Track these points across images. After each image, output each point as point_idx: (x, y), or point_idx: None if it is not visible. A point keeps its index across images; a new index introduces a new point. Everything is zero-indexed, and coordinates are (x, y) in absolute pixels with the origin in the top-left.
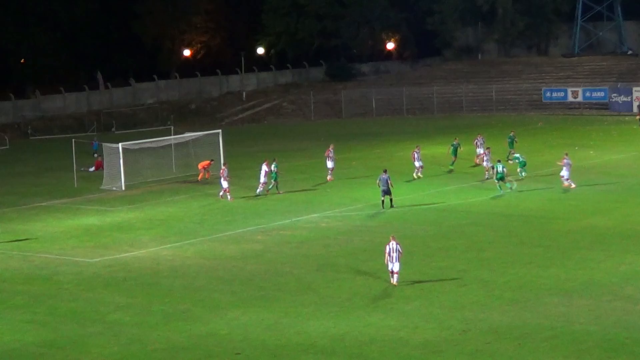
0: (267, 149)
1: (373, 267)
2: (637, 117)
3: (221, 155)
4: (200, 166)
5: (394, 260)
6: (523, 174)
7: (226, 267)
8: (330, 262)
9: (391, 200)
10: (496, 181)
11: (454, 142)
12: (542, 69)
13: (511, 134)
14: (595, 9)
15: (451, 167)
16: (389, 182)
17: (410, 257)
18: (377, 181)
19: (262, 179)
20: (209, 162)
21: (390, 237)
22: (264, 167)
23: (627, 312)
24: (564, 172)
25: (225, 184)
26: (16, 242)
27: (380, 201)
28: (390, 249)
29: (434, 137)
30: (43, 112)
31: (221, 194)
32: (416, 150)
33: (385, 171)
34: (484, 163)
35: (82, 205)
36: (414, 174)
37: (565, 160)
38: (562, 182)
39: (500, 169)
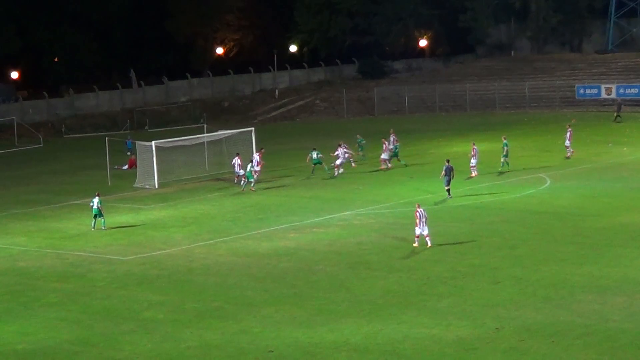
0: (300, 146)
1: (406, 264)
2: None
3: (253, 152)
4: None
5: (424, 225)
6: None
7: (259, 264)
8: (363, 259)
9: (449, 190)
10: (313, 165)
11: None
12: (575, 66)
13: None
14: (629, 5)
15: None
16: (452, 172)
17: (443, 254)
18: (442, 172)
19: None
20: (260, 153)
21: (417, 205)
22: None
23: None
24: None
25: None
26: (50, 240)
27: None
28: (420, 214)
29: (467, 135)
30: (77, 111)
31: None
32: (257, 153)
33: (448, 161)
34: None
35: (115, 204)
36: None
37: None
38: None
39: (315, 155)
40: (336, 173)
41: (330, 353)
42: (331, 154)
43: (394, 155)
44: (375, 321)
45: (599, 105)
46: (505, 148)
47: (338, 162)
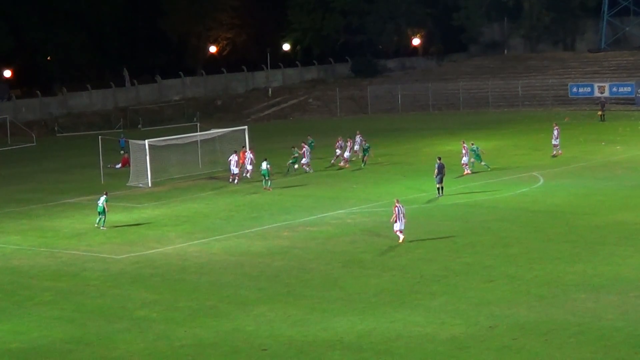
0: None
1: (400, 263)
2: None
3: (247, 151)
4: (242, 160)
5: (402, 220)
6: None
7: (253, 263)
8: (357, 258)
9: (440, 188)
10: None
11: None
12: (568, 64)
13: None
14: (621, 4)
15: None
16: (443, 169)
17: (436, 252)
18: (435, 171)
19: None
20: (251, 151)
21: (395, 200)
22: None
23: None
24: (465, 159)
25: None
26: (43, 239)
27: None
28: (399, 210)
29: (460, 133)
30: (70, 109)
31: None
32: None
33: (439, 158)
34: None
35: (108, 202)
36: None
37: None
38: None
39: (295, 153)
40: (308, 170)
41: (323, 351)
42: (299, 151)
43: (364, 154)
44: (369, 320)
45: (592, 104)
46: (475, 152)
47: (304, 160)
